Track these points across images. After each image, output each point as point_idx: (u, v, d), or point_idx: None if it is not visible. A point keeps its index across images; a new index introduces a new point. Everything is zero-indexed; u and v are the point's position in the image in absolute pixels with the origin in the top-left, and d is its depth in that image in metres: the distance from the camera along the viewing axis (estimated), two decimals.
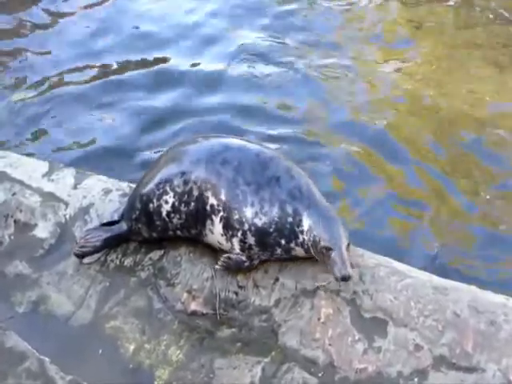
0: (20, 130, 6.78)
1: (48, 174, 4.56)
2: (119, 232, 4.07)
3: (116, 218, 4.18)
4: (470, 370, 3.33)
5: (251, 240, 3.70)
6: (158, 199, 3.86)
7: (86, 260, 4.07)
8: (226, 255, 3.79)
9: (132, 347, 3.71)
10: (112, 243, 4.09)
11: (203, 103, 7.23)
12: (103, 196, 4.36)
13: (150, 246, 4.07)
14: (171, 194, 3.82)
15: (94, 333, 3.79)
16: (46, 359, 3.67)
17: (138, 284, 3.95)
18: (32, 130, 6.79)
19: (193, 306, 3.81)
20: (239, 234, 3.71)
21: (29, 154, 5.12)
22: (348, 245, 3.53)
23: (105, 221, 4.19)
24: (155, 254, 4.04)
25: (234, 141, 3.94)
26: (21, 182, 4.49)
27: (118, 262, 4.06)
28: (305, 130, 6.84)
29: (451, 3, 9.42)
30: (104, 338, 3.76)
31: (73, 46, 8.30)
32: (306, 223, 3.59)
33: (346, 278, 3.44)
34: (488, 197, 5.90)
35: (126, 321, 3.82)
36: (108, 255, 4.10)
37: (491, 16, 9.05)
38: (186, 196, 3.79)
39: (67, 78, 7.64)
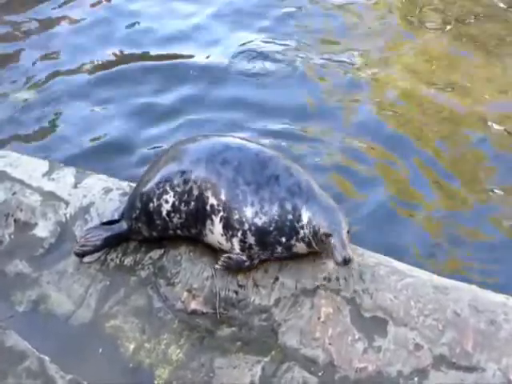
0: (20, 130, 6.78)
1: (48, 174, 4.56)
2: (119, 231, 4.07)
3: (116, 217, 4.18)
4: (470, 369, 3.33)
5: (251, 240, 3.70)
6: (158, 198, 3.86)
7: (86, 259, 4.08)
8: (226, 255, 3.79)
9: (132, 346, 3.71)
10: (112, 242, 4.09)
11: (203, 100, 7.23)
12: (103, 195, 4.37)
13: (150, 245, 4.07)
14: (171, 193, 3.82)
15: (94, 332, 3.79)
16: (46, 358, 3.67)
17: (138, 283, 3.96)
18: (32, 129, 6.79)
19: (193, 305, 3.81)
20: (239, 233, 3.71)
21: (29, 153, 5.08)
22: (348, 231, 3.53)
23: (105, 220, 4.19)
24: (155, 253, 4.04)
25: (234, 140, 3.94)
26: (21, 182, 4.49)
27: (118, 261, 4.07)
28: (305, 127, 6.84)
29: None
30: (104, 337, 3.76)
31: (73, 45, 8.28)
32: (306, 216, 3.60)
33: (346, 261, 3.43)
34: (492, 194, 5.90)
35: (126, 320, 3.82)
36: (108, 254, 4.10)
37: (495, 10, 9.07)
38: (186, 195, 3.79)
39: (67, 77, 7.63)
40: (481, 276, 4.87)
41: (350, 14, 9.28)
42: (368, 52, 8.32)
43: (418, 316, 3.51)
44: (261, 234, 3.67)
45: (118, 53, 8.17)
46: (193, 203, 3.78)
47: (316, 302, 3.67)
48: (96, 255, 4.08)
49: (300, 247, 3.70)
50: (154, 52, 8.19)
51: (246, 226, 3.68)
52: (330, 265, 3.77)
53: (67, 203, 4.35)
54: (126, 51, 8.20)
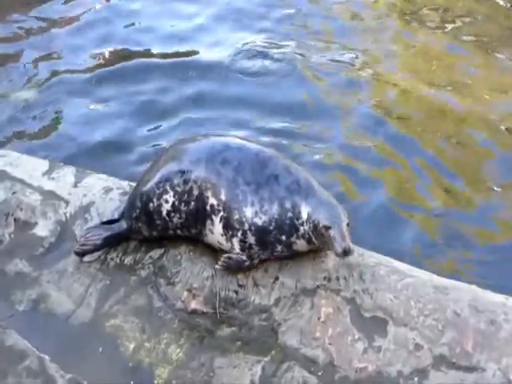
0: (20, 129, 6.79)
1: (48, 173, 4.56)
2: (119, 231, 4.07)
3: (116, 216, 4.17)
4: (470, 369, 3.33)
5: (251, 239, 3.70)
6: (158, 198, 3.86)
7: (87, 258, 4.07)
8: (226, 255, 3.79)
9: (132, 346, 3.71)
10: (112, 242, 4.09)
11: (203, 99, 7.26)
12: (104, 194, 4.36)
13: (151, 244, 4.07)
14: (171, 193, 3.82)
15: (94, 331, 3.78)
16: (46, 357, 3.67)
17: (138, 282, 3.95)
18: (33, 128, 6.81)
19: (193, 305, 3.81)
20: (239, 233, 3.71)
21: (29, 153, 5.09)
22: (347, 224, 3.53)
23: (105, 219, 4.19)
24: (155, 253, 4.04)
25: (234, 140, 3.94)
26: (21, 181, 4.49)
27: (118, 261, 4.06)
28: (305, 126, 6.86)
29: None
30: (104, 336, 3.76)
31: (73, 45, 8.32)
32: (305, 212, 3.61)
33: (347, 252, 3.43)
34: (493, 193, 5.90)
35: (126, 319, 3.82)
36: (108, 254, 4.09)
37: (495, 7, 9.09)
38: (186, 195, 3.79)
39: (67, 76, 7.65)
40: (481, 276, 4.88)
41: (349, 13, 9.29)
42: (368, 51, 8.34)
43: (418, 316, 3.51)
44: (261, 233, 3.67)
45: (117, 52, 8.19)
46: (193, 203, 3.78)
47: (316, 301, 3.67)
48: (96, 254, 4.08)
49: (300, 244, 3.70)
50: (154, 51, 8.22)
51: (246, 226, 3.68)
52: (331, 264, 3.77)
53: (67, 202, 4.34)
54: (126, 50, 8.22)
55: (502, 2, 9.27)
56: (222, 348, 3.64)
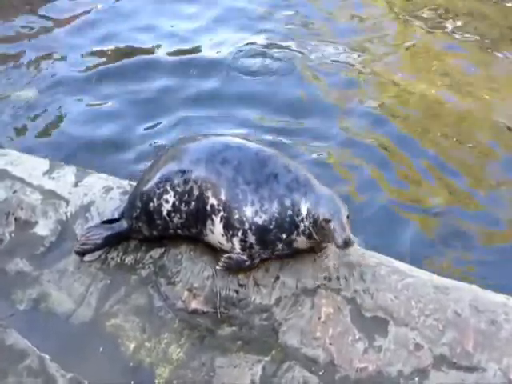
0: (21, 128, 6.79)
1: (49, 172, 4.55)
2: (120, 230, 4.07)
3: (116, 216, 4.17)
4: (470, 369, 3.33)
5: (252, 239, 3.70)
6: (159, 198, 3.85)
7: (87, 258, 4.07)
8: (226, 255, 3.79)
9: (132, 345, 3.71)
10: (113, 241, 4.09)
11: (204, 97, 7.28)
12: (104, 194, 4.36)
13: (151, 244, 4.07)
14: (172, 193, 3.82)
15: (95, 331, 3.78)
16: (47, 357, 3.67)
17: (138, 282, 3.95)
18: (33, 127, 6.81)
19: (193, 305, 3.81)
20: (240, 233, 3.71)
21: (30, 152, 5.09)
22: (347, 216, 3.53)
23: (105, 218, 4.19)
24: (156, 252, 4.04)
25: (234, 140, 3.93)
26: (21, 180, 4.49)
27: (118, 260, 4.06)
28: (305, 124, 6.88)
29: None
30: (104, 335, 3.76)
31: (73, 43, 8.33)
32: (305, 208, 3.60)
33: (347, 243, 3.43)
34: (496, 188, 5.91)
35: (126, 319, 3.82)
36: (109, 253, 4.09)
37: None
38: (186, 195, 3.78)
39: (68, 75, 7.65)
40: (481, 276, 4.88)
41: (349, 13, 9.30)
42: (368, 51, 8.35)
43: (418, 316, 3.52)
44: (261, 232, 3.67)
45: (118, 50, 8.20)
46: (193, 203, 3.78)
47: (316, 301, 3.67)
48: (96, 254, 4.08)
49: (301, 241, 3.70)
50: (154, 50, 8.26)
51: (247, 226, 3.68)
52: (331, 264, 3.77)
53: (68, 202, 4.34)
54: (127, 49, 8.25)
55: (502, 2, 9.27)
56: (223, 348, 3.64)
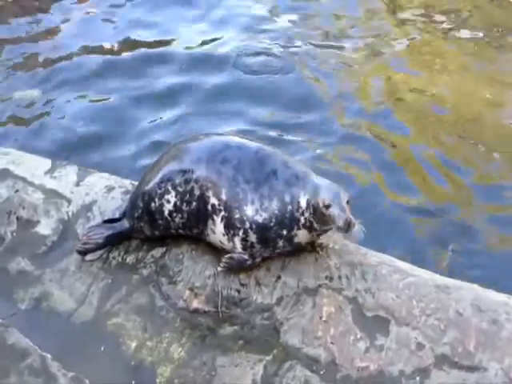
0: (22, 127, 6.80)
1: (51, 171, 4.56)
2: (121, 230, 4.07)
3: (118, 215, 4.17)
4: (472, 368, 3.33)
5: (253, 238, 3.70)
6: (160, 198, 3.85)
7: (89, 257, 4.08)
8: (228, 255, 3.78)
9: (134, 344, 3.71)
10: (114, 241, 4.09)
11: (204, 94, 7.33)
12: (106, 193, 4.37)
13: (152, 243, 4.07)
14: (173, 193, 3.82)
15: (96, 330, 3.79)
16: (48, 356, 3.68)
17: (140, 281, 3.95)
18: (35, 126, 6.83)
19: (195, 304, 3.81)
20: (241, 232, 3.71)
21: (33, 151, 5.10)
22: (347, 202, 3.52)
23: (106, 218, 4.19)
24: (157, 252, 4.04)
25: (234, 139, 3.92)
26: (23, 179, 4.49)
27: (120, 260, 4.07)
28: (306, 122, 6.91)
29: None
30: (106, 335, 3.76)
31: (73, 41, 8.36)
32: (304, 200, 3.60)
33: (348, 224, 3.42)
34: (497, 188, 5.90)
35: (127, 318, 3.82)
36: (110, 252, 4.10)
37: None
38: (187, 195, 3.78)
39: (69, 74, 7.67)
40: (483, 275, 4.87)
41: (349, 13, 9.31)
42: (371, 48, 8.35)
43: (420, 315, 3.51)
44: (262, 230, 3.67)
45: (118, 48, 8.22)
46: (194, 203, 3.78)
47: (318, 300, 3.66)
48: (98, 253, 4.08)
49: (301, 235, 3.69)
50: (155, 46, 8.34)
51: (247, 225, 3.68)
52: (333, 263, 3.77)
53: (69, 201, 4.35)
54: (128, 46, 8.26)
55: None
56: (224, 347, 3.64)
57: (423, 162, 6.26)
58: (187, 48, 8.25)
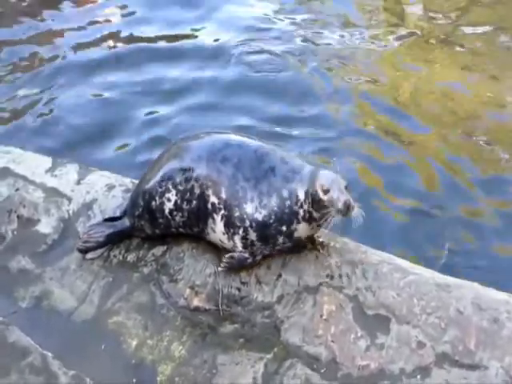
0: (23, 126, 6.80)
1: (51, 170, 4.56)
2: (122, 228, 4.07)
3: (118, 213, 4.17)
4: (472, 367, 3.32)
5: (253, 236, 3.70)
6: (161, 197, 3.85)
7: (89, 255, 4.08)
8: (228, 255, 3.78)
9: (135, 343, 3.72)
10: (115, 239, 4.09)
11: (203, 90, 7.36)
12: (106, 192, 4.37)
13: (153, 241, 4.07)
14: (174, 191, 3.82)
15: (97, 328, 3.79)
16: (49, 354, 3.68)
17: (140, 280, 3.96)
18: (36, 125, 6.83)
19: (195, 302, 3.81)
20: (241, 231, 3.71)
21: (33, 149, 5.10)
22: (346, 187, 3.51)
23: (107, 216, 4.19)
24: (158, 250, 4.04)
25: (235, 137, 3.92)
26: (24, 178, 4.49)
27: (120, 258, 4.07)
28: (307, 119, 6.91)
29: None
30: (107, 333, 3.76)
31: (73, 40, 8.37)
32: (302, 192, 3.60)
33: (347, 207, 3.41)
34: (498, 187, 5.89)
35: (128, 316, 3.82)
36: (111, 251, 4.10)
37: None
38: (188, 194, 3.78)
39: (69, 74, 7.67)
40: (484, 273, 4.88)
41: (349, 12, 9.32)
42: (369, 46, 8.35)
43: (420, 314, 3.51)
44: (262, 228, 3.67)
45: (118, 47, 8.22)
46: (194, 202, 3.78)
47: (319, 299, 3.66)
48: (99, 252, 4.08)
49: (301, 229, 3.68)
50: (154, 40, 8.40)
51: (247, 223, 3.68)
52: (333, 262, 3.77)
53: (70, 199, 4.35)
54: (128, 43, 8.27)
55: None
56: (225, 345, 3.65)
57: (426, 160, 6.25)
58: (189, 45, 8.25)
